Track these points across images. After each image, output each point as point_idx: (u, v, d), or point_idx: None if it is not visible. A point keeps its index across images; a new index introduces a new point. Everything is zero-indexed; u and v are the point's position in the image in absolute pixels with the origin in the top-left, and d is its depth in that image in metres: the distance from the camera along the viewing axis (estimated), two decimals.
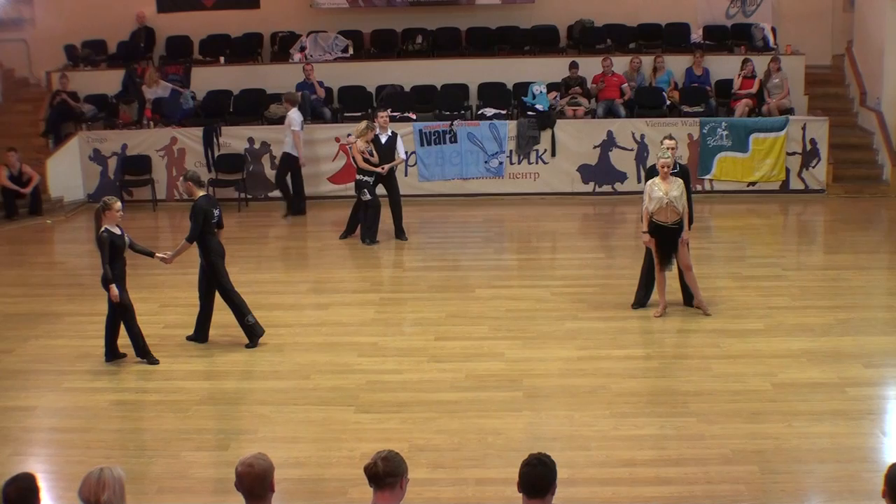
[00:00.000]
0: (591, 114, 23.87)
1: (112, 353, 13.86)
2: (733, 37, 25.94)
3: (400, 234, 20.12)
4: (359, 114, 23.48)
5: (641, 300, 15.45)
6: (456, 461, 10.75)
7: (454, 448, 11.06)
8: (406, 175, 22.62)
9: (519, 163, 23.49)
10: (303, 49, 25.86)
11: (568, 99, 23.94)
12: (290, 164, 22.42)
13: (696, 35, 25.97)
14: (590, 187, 23.50)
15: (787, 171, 23.03)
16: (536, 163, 23.47)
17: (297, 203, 22.57)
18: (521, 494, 6.71)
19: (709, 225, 20.83)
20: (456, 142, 23.42)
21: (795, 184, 23.10)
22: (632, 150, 23.26)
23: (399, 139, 20.23)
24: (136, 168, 23.81)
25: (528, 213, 22.35)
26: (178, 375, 13.45)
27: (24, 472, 6.93)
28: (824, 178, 23.08)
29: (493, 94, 24.68)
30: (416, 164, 23.36)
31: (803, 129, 22.95)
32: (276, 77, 25.09)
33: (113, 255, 13.31)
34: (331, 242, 20.15)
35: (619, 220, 21.94)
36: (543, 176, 23.50)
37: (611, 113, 23.75)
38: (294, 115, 22.10)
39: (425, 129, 23.43)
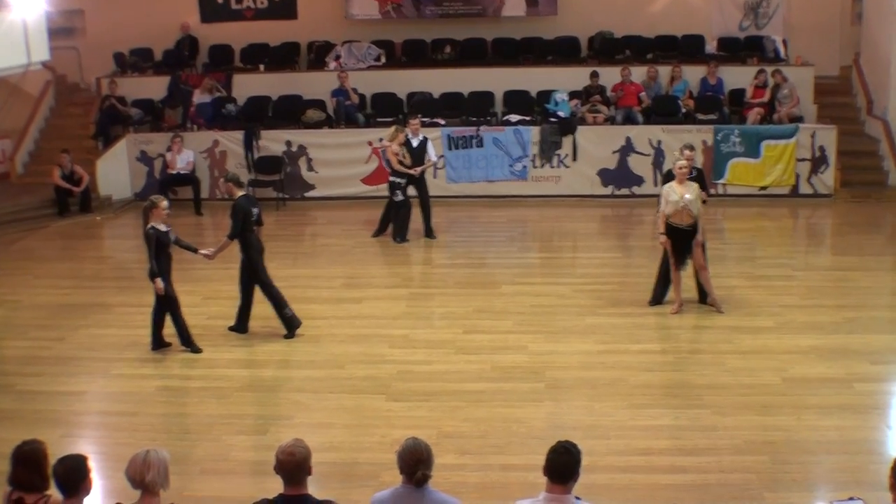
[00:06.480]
0: (611, 120, 23.82)
1: (158, 342, 13.94)
2: (746, 48, 25.82)
3: (429, 232, 20.11)
4: (390, 119, 23.51)
5: (658, 297, 15.41)
6: (481, 448, 10.77)
7: (480, 435, 11.08)
8: (435, 177, 22.50)
9: (542, 166, 23.44)
10: (338, 57, 25.87)
11: (588, 106, 23.88)
12: None
13: (711, 46, 25.85)
14: (609, 190, 23.44)
15: (797, 176, 22.90)
16: (558, 166, 23.41)
17: None
18: (544, 479, 6.70)
19: (722, 227, 20.73)
20: (482, 146, 23.40)
21: (805, 188, 22.98)
22: (649, 155, 23.19)
23: (430, 143, 20.21)
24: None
25: (550, 214, 22.30)
26: (220, 364, 13.53)
27: (74, 453, 6.93)
28: (832, 184, 22.93)
29: (517, 101, 24.61)
30: (444, 166, 23.33)
31: (812, 136, 22.83)
32: (313, 84, 25.13)
33: (159, 250, 13.38)
34: (364, 240, 20.15)
35: (637, 221, 21.88)
36: (565, 179, 23.45)
37: (629, 120, 23.69)
38: None
39: (453, 134, 23.42)
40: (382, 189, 20.94)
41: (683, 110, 23.83)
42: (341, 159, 23.64)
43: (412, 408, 11.89)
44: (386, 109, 24.67)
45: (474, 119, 24.10)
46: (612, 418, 11.46)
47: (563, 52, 26.13)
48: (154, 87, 25.63)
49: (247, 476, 10.32)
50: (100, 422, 11.98)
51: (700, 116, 23.63)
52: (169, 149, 23.52)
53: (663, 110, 23.88)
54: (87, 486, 6.68)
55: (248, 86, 25.51)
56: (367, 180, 23.65)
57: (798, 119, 23.22)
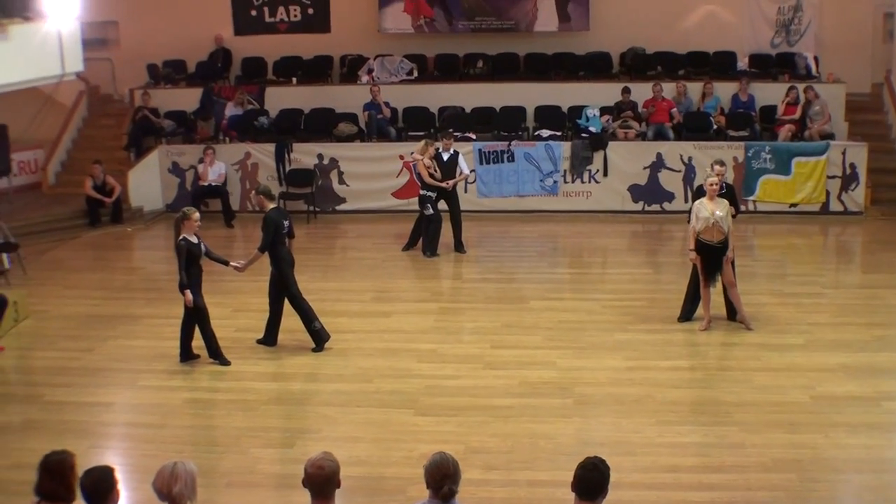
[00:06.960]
0: (642, 136, 23.77)
1: (186, 354, 13.97)
2: (777, 65, 25.75)
3: (459, 247, 20.09)
4: (422, 133, 23.48)
5: (687, 314, 15.36)
6: (508, 463, 10.75)
7: (507, 451, 11.05)
8: (466, 191, 22.54)
9: (573, 182, 23.42)
10: (370, 71, 25.93)
11: (620, 122, 23.86)
12: None
13: (742, 63, 25.78)
14: (639, 206, 23.40)
15: (828, 193, 22.81)
16: (589, 182, 23.39)
17: None
18: (572, 495, 6.67)
19: (752, 244, 20.66)
20: (513, 161, 23.39)
21: (835, 206, 22.88)
22: (680, 171, 23.13)
23: (461, 157, 20.29)
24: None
25: (581, 230, 22.25)
26: (247, 376, 13.53)
27: (101, 465, 6.92)
28: (863, 201, 22.84)
29: (548, 116, 24.61)
30: (475, 181, 23.33)
31: (843, 153, 22.74)
32: (345, 97, 25.19)
33: (189, 262, 13.42)
34: (394, 254, 20.15)
35: (667, 237, 21.81)
36: (595, 194, 23.42)
37: (660, 136, 23.64)
38: None
39: (485, 148, 23.42)
40: (413, 203, 20.95)
41: (715, 127, 23.79)
42: (372, 173, 23.68)
43: (439, 422, 11.89)
44: (418, 123, 24.70)
45: (506, 134, 24.07)
46: (640, 435, 11.42)
47: (594, 67, 26.13)
48: (187, 98, 25.77)
49: (273, 489, 10.34)
50: (127, 433, 12.03)
51: (731, 133, 23.57)
52: (201, 160, 23.61)
53: (694, 126, 23.83)
54: (113, 497, 6.69)
55: (281, 99, 25.60)
56: (398, 194, 23.67)
57: (829, 136, 23.12)
